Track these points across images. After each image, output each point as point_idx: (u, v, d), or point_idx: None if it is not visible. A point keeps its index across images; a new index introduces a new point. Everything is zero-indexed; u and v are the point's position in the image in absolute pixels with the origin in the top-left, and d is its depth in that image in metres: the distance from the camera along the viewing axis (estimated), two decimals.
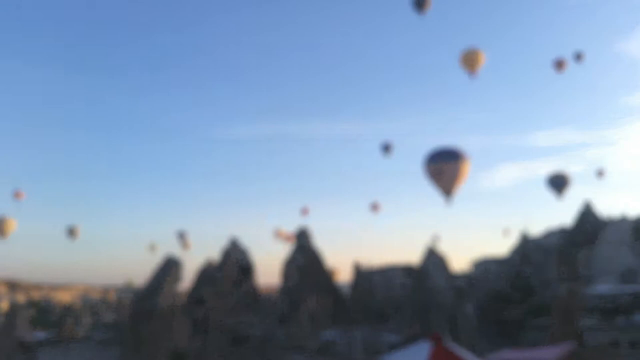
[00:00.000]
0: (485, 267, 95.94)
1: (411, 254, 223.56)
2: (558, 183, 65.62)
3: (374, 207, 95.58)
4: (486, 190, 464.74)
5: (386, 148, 79.48)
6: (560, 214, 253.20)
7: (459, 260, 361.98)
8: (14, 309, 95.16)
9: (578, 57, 75.81)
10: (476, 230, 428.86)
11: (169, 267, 73.97)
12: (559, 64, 76.13)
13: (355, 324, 79.91)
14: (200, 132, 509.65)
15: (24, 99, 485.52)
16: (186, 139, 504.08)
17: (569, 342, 31.18)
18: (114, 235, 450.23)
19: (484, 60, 67.07)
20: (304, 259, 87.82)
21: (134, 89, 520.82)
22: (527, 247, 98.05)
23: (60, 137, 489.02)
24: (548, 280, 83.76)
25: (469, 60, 65.03)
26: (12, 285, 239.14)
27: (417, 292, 68.17)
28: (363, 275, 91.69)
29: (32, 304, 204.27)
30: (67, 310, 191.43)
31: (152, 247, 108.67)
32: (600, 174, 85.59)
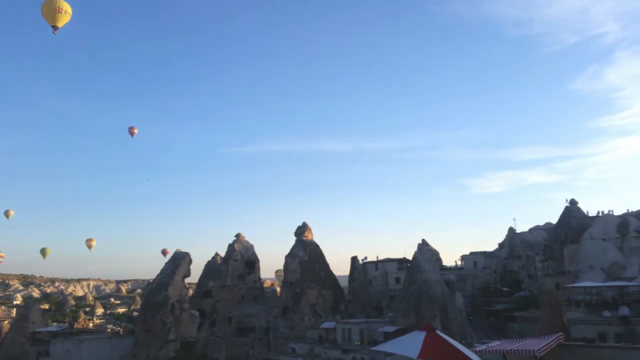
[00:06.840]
0: (475, 261, 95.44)
1: (406, 249, 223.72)
2: None
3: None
4: (476, 194, 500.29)
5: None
6: (544, 216, 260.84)
7: (450, 254, 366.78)
8: (28, 302, 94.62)
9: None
10: (467, 227, 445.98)
11: (178, 262, 73.41)
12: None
13: (353, 315, 79.54)
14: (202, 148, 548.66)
15: None
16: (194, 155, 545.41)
17: (556, 333, 30.63)
18: (128, 234, 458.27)
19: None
20: (305, 253, 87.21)
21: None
22: (514, 242, 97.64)
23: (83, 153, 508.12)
24: (534, 274, 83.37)
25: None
26: (26, 280, 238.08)
27: (410, 285, 67.57)
28: (360, 269, 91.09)
29: (46, 297, 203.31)
30: (80, 303, 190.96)
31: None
32: None
